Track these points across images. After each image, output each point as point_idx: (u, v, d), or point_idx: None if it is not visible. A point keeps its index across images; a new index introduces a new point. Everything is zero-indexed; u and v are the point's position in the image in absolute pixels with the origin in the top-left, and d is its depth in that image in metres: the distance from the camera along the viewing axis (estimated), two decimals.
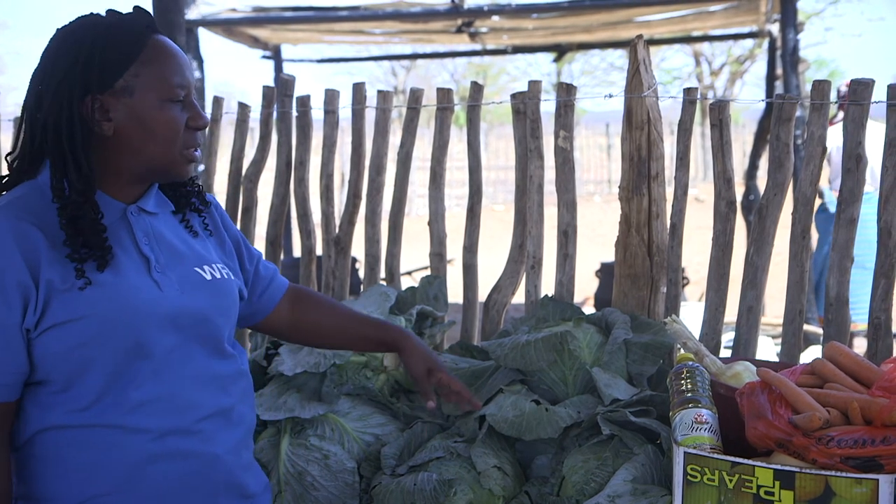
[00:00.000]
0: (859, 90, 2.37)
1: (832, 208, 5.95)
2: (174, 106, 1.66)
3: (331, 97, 3.23)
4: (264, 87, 3.37)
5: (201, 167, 3.46)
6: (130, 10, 1.69)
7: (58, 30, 1.68)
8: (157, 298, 1.65)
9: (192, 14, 6.05)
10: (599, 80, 25.18)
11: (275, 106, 3.33)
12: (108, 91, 1.63)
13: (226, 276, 1.78)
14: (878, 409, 1.70)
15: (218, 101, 3.47)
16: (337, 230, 3.24)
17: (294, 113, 3.28)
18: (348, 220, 3.21)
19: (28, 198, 1.65)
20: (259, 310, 1.97)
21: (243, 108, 3.43)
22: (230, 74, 60.70)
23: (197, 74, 5.85)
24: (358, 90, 3.21)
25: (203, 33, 6.45)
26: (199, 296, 1.71)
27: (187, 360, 1.68)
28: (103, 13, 1.69)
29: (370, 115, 3.20)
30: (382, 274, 3.21)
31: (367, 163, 3.19)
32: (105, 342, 1.59)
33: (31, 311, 1.58)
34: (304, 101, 3.27)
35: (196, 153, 1.71)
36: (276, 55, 7.85)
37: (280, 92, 3.32)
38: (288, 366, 2.53)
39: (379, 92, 3.19)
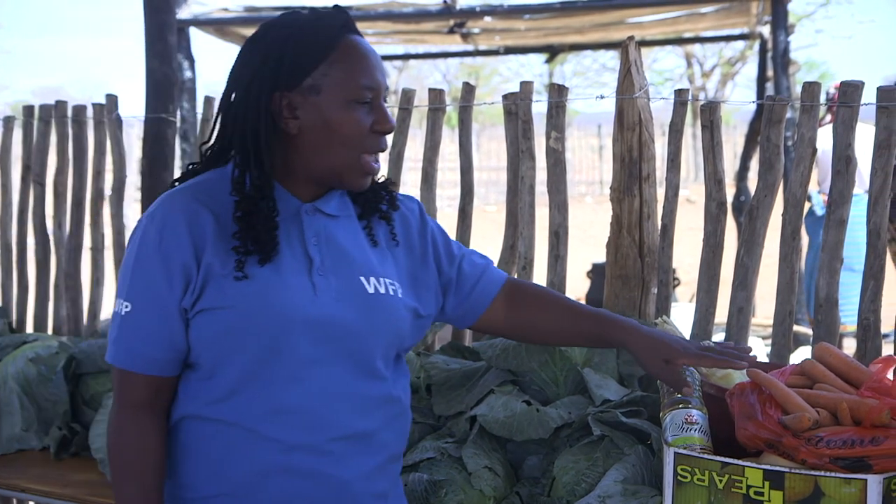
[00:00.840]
0: (849, 92, 2.37)
1: (819, 211, 5.96)
2: (360, 108, 1.64)
3: None
4: None
5: None
6: (329, 8, 1.69)
7: (259, 26, 1.70)
8: (308, 302, 1.62)
9: (183, 14, 6.04)
10: (591, 82, 25.22)
11: None
12: (297, 89, 1.63)
13: (391, 293, 1.70)
14: (867, 410, 1.71)
15: (209, 101, 3.47)
16: None
17: None
18: None
19: (211, 182, 1.68)
20: (470, 310, 1.88)
21: None
22: (224, 74, 60.52)
23: (188, 74, 5.84)
24: None
25: (195, 33, 6.44)
26: (354, 307, 1.65)
27: (330, 373, 1.63)
28: (304, 11, 1.69)
29: None
30: None
31: None
32: (245, 337, 1.59)
33: (189, 291, 1.60)
34: None
35: (376, 165, 1.68)
36: None
37: None
38: None
39: None
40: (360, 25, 6.36)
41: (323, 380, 1.63)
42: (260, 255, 1.61)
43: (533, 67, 26.06)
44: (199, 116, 3.48)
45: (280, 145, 1.65)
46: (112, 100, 3.51)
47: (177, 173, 2.19)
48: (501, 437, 2.27)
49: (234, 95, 1.67)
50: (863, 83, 2.37)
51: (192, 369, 1.66)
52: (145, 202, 3.73)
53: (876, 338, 2.37)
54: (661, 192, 2.67)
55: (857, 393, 1.80)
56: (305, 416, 1.62)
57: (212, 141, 1.73)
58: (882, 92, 2.34)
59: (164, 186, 3.63)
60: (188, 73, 5.87)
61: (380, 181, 1.80)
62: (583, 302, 6.94)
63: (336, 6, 1.70)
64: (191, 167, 1.75)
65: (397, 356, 1.76)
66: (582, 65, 25.57)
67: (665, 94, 2.73)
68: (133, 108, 3.87)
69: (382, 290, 1.68)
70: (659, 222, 2.71)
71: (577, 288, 7.77)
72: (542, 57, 9.69)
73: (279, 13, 1.72)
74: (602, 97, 2.92)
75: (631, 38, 2.65)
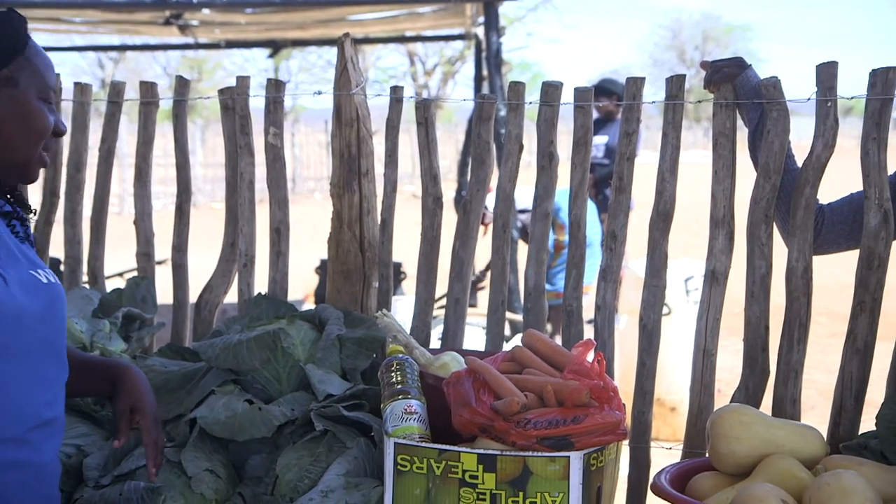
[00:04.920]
0: (549, 92, 2.52)
1: None
2: (46, 106, 1.69)
3: None
4: None
5: None
6: (4, 10, 1.70)
7: None
8: (4, 294, 1.61)
9: None
10: (317, 78, 25.30)
11: None
12: None
13: (55, 282, 1.74)
14: (568, 391, 1.83)
15: None
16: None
17: None
18: (45, 220, 3.01)
19: None
20: None
21: None
22: None
23: None
24: None
25: None
26: (39, 298, 1.68)
27: (28, 364, 1.65)
28: None
29: (68, 109, 3.02)
30: (86, 277, 3.04)
31: (64, 159, 3.01)
32: None
33: None
34: None
35: (47, 159, 1.73)
36: None
37: None
38: None
39: (76, 84, 3.02)
40: (67, 13, 6.05)
41: (22, 371, 1.64)
42: None
43: (258, 62, 25.78)
44: None
45: None
46: None
47: None
48: (224, 438, 2.22)
49: None
50: (561, 84, 2.51)
51: None
52: None
53: (578, 323, 2.53)
54: (381, 188, 2.71)
55: (560, 376, 1.92)
56: (8, 410, 1.62)
57: None
58: (578, 92, 2.50)
59: None
60: None
61: None
62: (313, 298, 6.91)
63: (10, 8, 1.73)
64: None
65: None
66: (308, 60, 25.60)
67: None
68: None
69: (53, 280, 1.74)
70: (379, 217, 2.75)
71: (308, 285, 7.75)
72: (267, 52, 9.56)
73: None
74: (320, 93, 2.93)
75: (346, 35, 2.68)
